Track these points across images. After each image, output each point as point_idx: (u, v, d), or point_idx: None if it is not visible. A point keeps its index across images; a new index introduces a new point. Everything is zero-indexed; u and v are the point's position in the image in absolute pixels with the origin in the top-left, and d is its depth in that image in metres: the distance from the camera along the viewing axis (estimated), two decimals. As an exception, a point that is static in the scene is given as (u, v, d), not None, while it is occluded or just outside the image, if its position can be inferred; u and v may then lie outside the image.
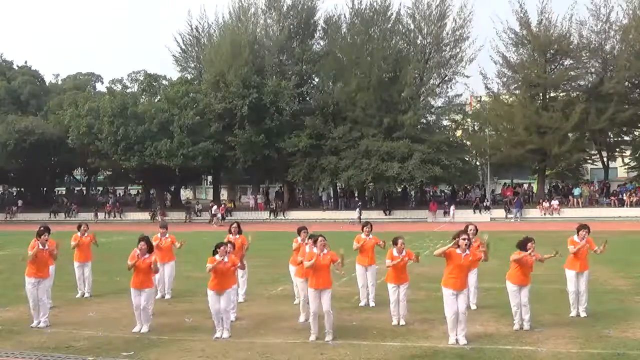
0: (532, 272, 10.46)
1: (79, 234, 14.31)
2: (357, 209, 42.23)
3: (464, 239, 9.53)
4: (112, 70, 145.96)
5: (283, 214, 46.06)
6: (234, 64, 45.45)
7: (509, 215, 41.72)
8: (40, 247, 11.24)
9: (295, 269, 11.78)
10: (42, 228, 11.62)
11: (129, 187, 67.28)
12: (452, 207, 42.58)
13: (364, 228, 12.70)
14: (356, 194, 50.46)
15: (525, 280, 10.33)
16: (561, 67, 44.09)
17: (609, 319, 10.87)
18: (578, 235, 11.32)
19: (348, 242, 13.10)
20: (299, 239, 12.21)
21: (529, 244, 10.26)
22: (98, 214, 48.93)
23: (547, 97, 44.94)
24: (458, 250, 9.53)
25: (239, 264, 10.68)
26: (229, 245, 10.55)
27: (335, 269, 10.20)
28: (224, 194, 58.49)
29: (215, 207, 44.50)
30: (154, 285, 11.30)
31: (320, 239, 10.18)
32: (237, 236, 12.69)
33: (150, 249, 10.82)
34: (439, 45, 45.48)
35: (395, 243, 11.04)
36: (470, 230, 11.46)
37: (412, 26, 46.49)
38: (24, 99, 54.36)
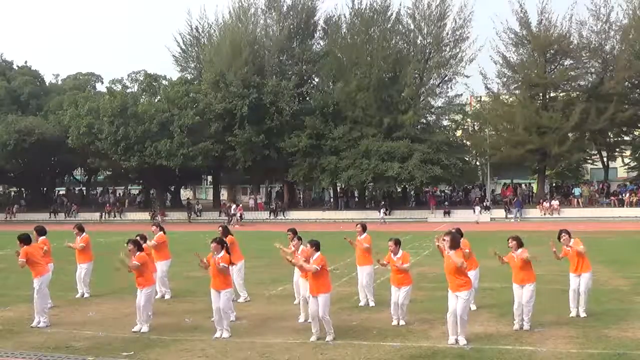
0: (535, 273, 10.40)
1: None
2: (382, 210, 42.13)
3: (443, 239, 9.58)
4: (112, 70, 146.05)
5: (283, 214, 46.06)
6: (234, 64, 45.45)
7: (509, 215, 41.72)
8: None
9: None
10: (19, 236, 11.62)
11: (129, 187, 67.27)
12: (478, 208, 42.10)
13: (356, 227, 12.70)
14: (356, 194, 50.49)
15: (521, 278, 10.21)
16: (561, 67, 44.06)
17: (609, 319, 10.87)
18: (561, 240, 11.19)
19: (347, 242, 13.12)
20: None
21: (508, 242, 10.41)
22: (103, 214, 48.99)
23: (547, 97, 44.92)
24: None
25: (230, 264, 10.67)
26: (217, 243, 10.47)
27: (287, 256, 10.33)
28: (223, 194, 58.48)
29: (234, 206, 44.22)
30: (152, 284, 11.26)
31: (302, 249, 10.16)
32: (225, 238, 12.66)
33: (139, 248, 10.91)
34: (439, 45, 45.43)
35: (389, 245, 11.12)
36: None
37: (412, 26, 46.47)
38: (24, 99, 54.33)
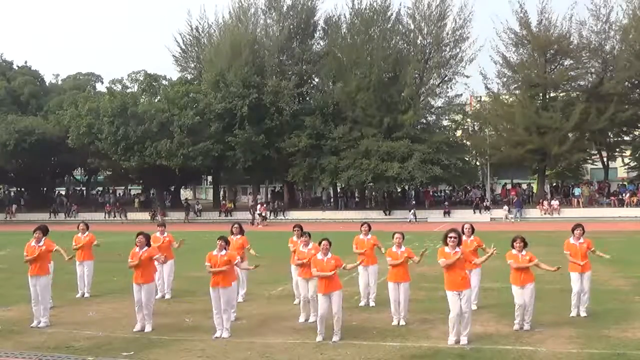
0: (534, 272, 10.39)
1: (79, 234, 14.34)
2: (412, 210, 42.02)
3: (451, 237, 9.51)
4: (112, 70, 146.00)
5: (283, 214, 46.04)
6: (234, 64, 45.47)
7: (509, 215, 41.68)
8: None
9: (295, 267, 11.75)
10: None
11: (129, 187, 67.28)
12: (506, 207, 41.58)
13: (362, 227, 12.66)
14: (356, 194, 50.49)
15: (522, 279, 10.13)
16: (561, 67, 44.02)
17: (609, 319, 10.87)
18: (573, 235, 11.27)
19: (348, 242, 13.12)
20: (294, 238, 12.21)
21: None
22: (107, 214, 49.17)
23: (547, 97, 44.91)
24: (447, 249, 9.53)
25: (236, 261, 10.66)
26: (222, 240, 10.48)
27: (344, 268, 10.24)
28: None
29: (258, 206, 43.90)
30: (154, 280, 11.28)
31: (323, 243, 10.11)
32: (239, 236, 12.73)
33: (148, 242, 10.89)
34: (439, 46, 45.40)
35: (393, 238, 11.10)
36: (466, 229, 11.48)
37: (412, 26, 46.45)
38: (24, 99, 54.35)
